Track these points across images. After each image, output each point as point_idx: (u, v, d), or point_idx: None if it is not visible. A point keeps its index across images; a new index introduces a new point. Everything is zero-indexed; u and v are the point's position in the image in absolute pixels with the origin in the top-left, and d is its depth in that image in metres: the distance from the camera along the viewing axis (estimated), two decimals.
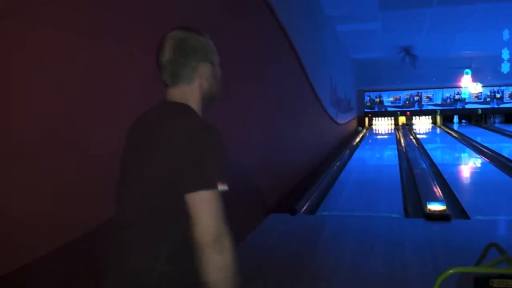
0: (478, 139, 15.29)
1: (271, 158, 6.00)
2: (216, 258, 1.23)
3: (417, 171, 8.31)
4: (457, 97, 22.98)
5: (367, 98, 23.95)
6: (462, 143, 15.11)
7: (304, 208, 6.10)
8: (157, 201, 1.31)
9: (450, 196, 6.82)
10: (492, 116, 23.76)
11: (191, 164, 1.26)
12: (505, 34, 14.68)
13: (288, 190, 6.83)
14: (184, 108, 1.39)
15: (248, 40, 4.97)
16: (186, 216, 1.25)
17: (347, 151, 13.19)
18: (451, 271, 2.14)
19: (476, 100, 22.82)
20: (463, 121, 24.00)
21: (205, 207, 1.25)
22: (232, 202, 4.22)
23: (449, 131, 19.85)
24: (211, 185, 1.25)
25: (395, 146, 14.76)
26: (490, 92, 22.65)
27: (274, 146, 6.23)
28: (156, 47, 1.44)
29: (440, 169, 9.41)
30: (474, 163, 11.16)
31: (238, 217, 4.78)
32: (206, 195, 1.25)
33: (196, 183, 1.25)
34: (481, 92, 22.44)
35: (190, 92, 1.42)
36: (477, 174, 9.97)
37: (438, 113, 23.56)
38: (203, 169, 1.26)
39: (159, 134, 1.32)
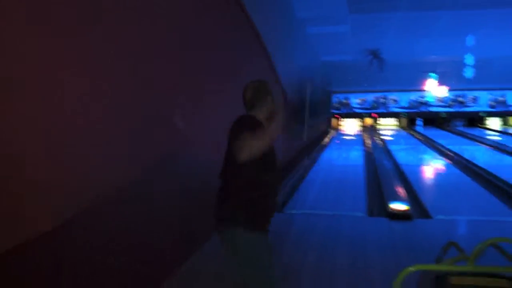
0: (441, 142, 15.69)
1: None
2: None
3: None
4: (421, 100, 23.56)
5: (335, 100, 24.28)
6: (426, 145, 15.49)
7: None
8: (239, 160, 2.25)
9: (413, 196, 7.01)
10: (455, 119, 24.47)
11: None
12: (469, 40, 15.10)
13: None
14: (255, 118, 2.51)
15: (222, 42, 4.97)
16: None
17: (316, 151, 13.34)
18: (411, 269, 2.19)
19: (440, 103, 23.45)
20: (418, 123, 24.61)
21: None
22: (202, 200, 4.20)
23: (413, 133, 20.33)
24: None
25: (361, 147, 15.02)
26: (454, 96, 23.30)
27: None
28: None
29: (404, 169, 9.63)
30: (437, 165, 11.46)
31: (207, 215, 4.76)
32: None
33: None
34: (445, 96, 23.06)
35: (259, 114, 2.56)
36: (439, 175, 10.24)
37: (403, 116, 24.10)
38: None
39: (246, 127, 2.35)
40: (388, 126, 24.70)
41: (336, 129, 23.87)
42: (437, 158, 12.28)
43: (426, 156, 13.24)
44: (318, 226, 5.22)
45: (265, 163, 2.39)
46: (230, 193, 2.44)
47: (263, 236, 2.43)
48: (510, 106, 23.05)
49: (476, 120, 24.04)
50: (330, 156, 13.18)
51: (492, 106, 23.24)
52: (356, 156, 13.09)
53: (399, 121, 24.86)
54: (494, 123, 24.27)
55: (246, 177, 2.37)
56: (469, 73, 16.78)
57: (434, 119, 24.25)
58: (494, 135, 19.15)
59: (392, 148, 14.14)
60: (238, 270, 2.46)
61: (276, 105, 2.62)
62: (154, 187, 3.37)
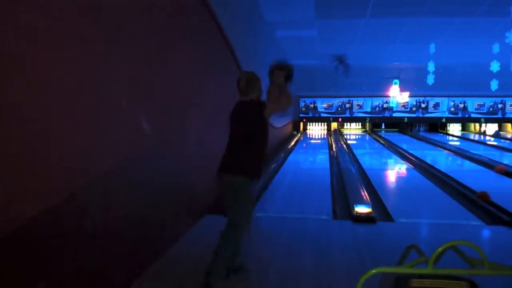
0: (404, 146, 16.06)
1: (207, 159, 5.99)
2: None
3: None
4: (385, 105, 24.07)
5: (302, 104, 24.53)
6: (389, 150, 15.81)
7: None
8: (241, 133, 3.42)
9: (376, 200, 7.15)
10: (417, 124, 25.15)
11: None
12: (431, 48, 15.52)
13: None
14: (252, 101, 3.46)
15: (188, 44, 4.95)
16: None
17: (282, 154, 13.42)
18: (373, 271, 2.23)
19: (402, 109, 24.02)
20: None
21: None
22: (168, 203, 4.19)
23: (377, 138, 20.73)
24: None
25: (327, 151, 15.20)
26: (416, 102, 23.91)
27: (210, 147, 6.22)
28: None
29: (368, 173, 9.81)
30: (400, 169, 11.71)
31: (173, 217, 4.75)
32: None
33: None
34: (407, 102, 23.63)
35: (251, 97, 3.47)
36: (402, 179, 10.46)
37: (367, 121, 24.57)
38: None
39: (244, 111, 3.45)
40: (353, 131, 25.16)
41: (303, 132, 24.11)
42: (399, 163, 12.56)
43: (389, 161, 13.52)
44: (285, 228, 5.25)
45: (265, 140, 3.51)
46: (239, 154, 3.44)
47: (252, 183, 3.51)
48: (470, 112, 23.82)
49: (437, 125, 24.77)
50: (297, 159, 13.29)
51: (452, 112, 23.96)
52: (322, 160, 13.24)
53: (364, 126, 25.40)
54: (454, 128, 25.08)
55: (257, 146, 3.45)
56: (430, 80, 17.22)
57: (397, 124, 24.93)
58: (455, 141, 19.76)
59: (357, 152, 14.37)
60: (230, 207, 3.51)
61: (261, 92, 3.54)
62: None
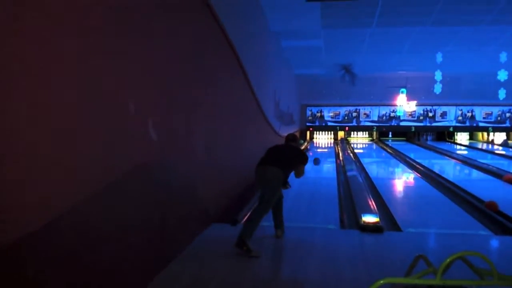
0: (411, 155, 16.00)
1: (213, 168, 6.00)
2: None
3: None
4: (392, 114, 24.03)
5: (308, 113, 24.56)
6: (396, 159, 15.75)
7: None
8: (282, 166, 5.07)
9: (383, 209, 7.11)
10: (424, 133, 25.08)
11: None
12: (438, 57, 15.51)
13: (229, 200, 6.85)
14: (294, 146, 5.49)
15: (196, 51, 4.98)
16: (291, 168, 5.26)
17: None
18: (381, 282, 2.22)
19: (410, 118, 23.98)
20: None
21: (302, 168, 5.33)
22: (174, 211, 4.18)
23: (384, 147, 20.67)
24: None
25: (334, 160, 15.17)
26: (423, 111, 23.87)
27: (217, 156, 6.24)
28: None
29: (375, 182, 9.77)
30: (407, 178, 11.65)
31: (179, 225, 4.74)
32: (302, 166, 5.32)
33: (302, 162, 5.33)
34: (415, 111, 23.59)
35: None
36: (409, 189, 10.41)
37: (374, 129, 24.54)
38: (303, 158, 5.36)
39: (286, 148, 5.40)
40: (360, 140, 25.13)
41: (310, 141, 24.10)
42: (407, 172, 12.50)
43: (396, 170, 13.46)
44: (291, 238, 5.23)
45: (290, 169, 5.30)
46: (281, 163, 5.05)
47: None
48: (478, 121, 23.72)
49: (445, 134, 24.70)
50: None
51: (460, 121, 23.88)
52: (328, 169, 13.21)
53: (371, 135, 25.38)
54: (462, 137, 24.99)
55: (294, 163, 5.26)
56: (438, 89, 17.19)
57: (404, 133, 24.91)
58: (463, 150, 19.66)
59: (364, 161, 14.33)
60: (265, 191, 4.97)
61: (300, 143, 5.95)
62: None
